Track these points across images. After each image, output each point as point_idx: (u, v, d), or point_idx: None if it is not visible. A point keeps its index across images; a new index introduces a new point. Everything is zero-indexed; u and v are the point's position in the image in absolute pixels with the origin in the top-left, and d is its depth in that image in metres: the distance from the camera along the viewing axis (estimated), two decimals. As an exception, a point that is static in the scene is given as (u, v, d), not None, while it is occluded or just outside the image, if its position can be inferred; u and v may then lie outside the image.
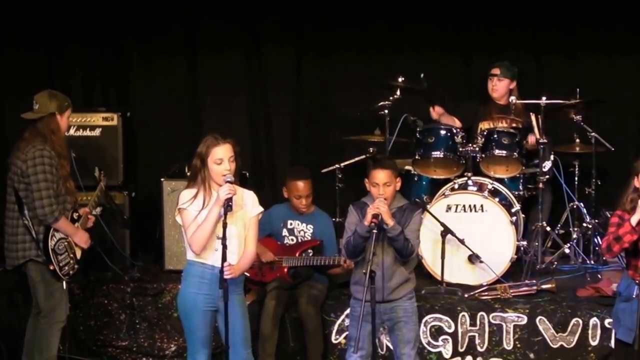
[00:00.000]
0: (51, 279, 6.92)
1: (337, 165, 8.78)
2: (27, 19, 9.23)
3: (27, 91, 9.13)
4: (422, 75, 8.47)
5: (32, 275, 6.96)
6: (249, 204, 6.29)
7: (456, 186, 8.21)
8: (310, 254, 7.57)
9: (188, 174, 6.41)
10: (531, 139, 8.37)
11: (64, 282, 6.94)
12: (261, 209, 6.36)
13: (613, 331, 6.59)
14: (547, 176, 8.35)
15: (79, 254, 7.08)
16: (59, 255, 6.92)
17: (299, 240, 7.71)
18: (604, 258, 8.29)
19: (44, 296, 6.96)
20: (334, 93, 9.52)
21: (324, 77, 9.51)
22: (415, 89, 8.54)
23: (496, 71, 8.72)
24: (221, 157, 6.15)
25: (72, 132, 8.34)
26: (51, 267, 6.86)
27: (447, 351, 7.52)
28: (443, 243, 7.79)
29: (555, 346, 7.42)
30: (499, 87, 8.73)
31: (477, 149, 8.27)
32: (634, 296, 6.17)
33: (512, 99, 8.52)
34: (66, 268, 6.96)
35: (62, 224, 6.90)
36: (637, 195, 6.20)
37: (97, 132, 8.53)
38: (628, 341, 6.21)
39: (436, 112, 8.67)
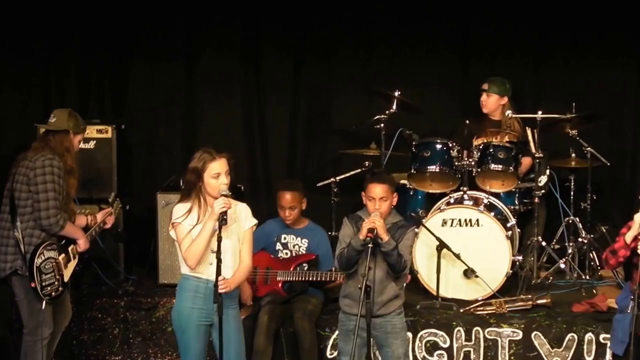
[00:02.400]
0: (34, 298, 6.80)
1: (332, 179, 8.77)
2: (23, 25, 9.23)
3: (21, 98, 9.25)
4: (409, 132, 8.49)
5: (16, 291, 6.89)
6: (242, 216, 6.28)
7: (452, 200, 8.20)
8: (305, 268, 7.54)
9: (182, 187, 6.38)
10: (525, 160, 8.37)
11: (44, 303, 6.82)
12: (255, 220, 6.35)
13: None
14: (543, 191, 8.36)
15: (66, 277, 6.99)
16: (44, 274, 6.78)
17: (294, 255, 7.68)
18: (599, 274, 8.29)
19: (28, 313, 6.88)
20: (331, 105, 9.52)
21: (322, 88, 9.52)
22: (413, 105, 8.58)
23: (485, 86, 8.72)
24: (218, 172, 6.13)
25: (65, 144, 8.32)
26: (32, 285, 6.73)
27: (442, 366, 7.52)
28: (438, 257, 7.77)
29: (550, 361, 7.43)
30: (488, 102, 8.71)
31: (472, 163, 8.26)
32: (628, 310, 6.17)
33: (508, 112, 8.51)
34: (49, 288, 6.82)
35: (69, 229, 6.87)
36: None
37: (91, 144, 8.50)
38: (619, 353, 6.24)
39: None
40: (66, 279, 6.99)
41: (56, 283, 6.89)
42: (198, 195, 6.19)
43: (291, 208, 7.61)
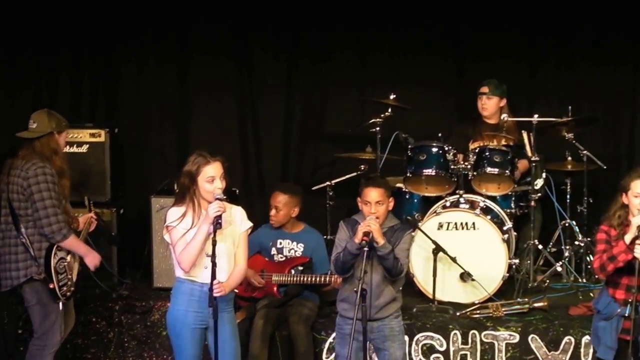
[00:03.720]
0: (48, 300, 6.80)
1: (327, 183, 8.74)
2: (12, 29, 9.21)
3: (12, 102, 9.21)
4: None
5: (27, 297, 6.86)
6: (237, 219, 6.26)
7: (448, 204, 8.19)
8: (300, 270, 7.52)
9: (177, 191, 6.35)
10: (522, 163, 8.35)
11: (61, 304, 6.83)
12: (250, 224, 6.33)
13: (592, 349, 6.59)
14: (539, 194, 8.36)
15: (74, 276, 7.00)
16: (60, 275, 6.82)
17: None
18: (597, 277, 8.25)
19: (40, 318, 6.86)
20: (325, 108, 9.51)
21: (316, 91, 9.52)
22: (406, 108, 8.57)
23: (485, 89, 8.70)
24: (213, 175, 6.11)
25: (58, 148, 8.30)
26: (51, 286, 6.75)
27: (438, 370, 7.50)
28: (435, 261, 7.76)
29: (547, 365, 7.41)
30: (489, 105, 8.70)
31: (468, 166, 8.25)
32: (615, 314, 6.15)
33: (504, 116, 8.50)
34: (64, 288, 6.86)
35: (72, 242, 6.85)
36: (625, 212, 6.18)
37: (84, 148, 8.48)
38: (609, 359, 6.19)
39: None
40: (74, 278, 7.01)
41: (69, 283, 6.93)
42: (192, 199, 6.16)
43: (278, 208, 7.59)
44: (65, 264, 6.88)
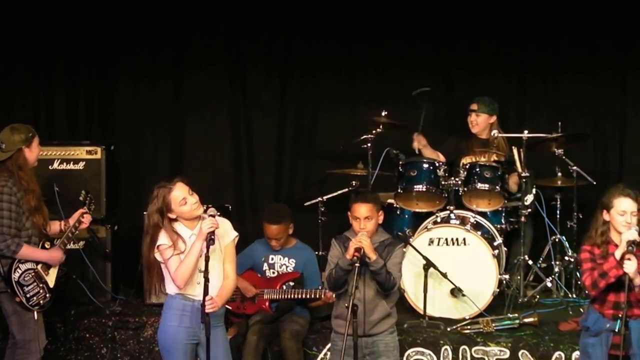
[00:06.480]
0: (22, 311, 6.92)
1: (319, 199, 8.78)
2: (7, 49, 9.27)
3: (10, 119, 9.22)
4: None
5: (5, 307, 6.99)
6: (222, 232, 6.27)
7: (439, 219, 8.22)
8: (291, 286, 7.56)
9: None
10: (513, 179, 8.41)
11: (35, 313, 6.92)
12: (236, 233, 6.35)
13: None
14: (529, 210, 8.38)
15: (51, 283, 7.06)
16: (25, 287, 6.91)
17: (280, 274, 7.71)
18: (586, 293, 8.28)
19: (18, 327, 6.96)
20: (317, 123, 9.55)
21: (308, 107, 9.56)
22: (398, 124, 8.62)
23: (474, 107, 8.76)
24: (183, 197, 6.14)
25: (55, 165, 8.37)
26: (17, 299, 6.88)
27: (429, 385, 7.52)
28: (425, 277, 7.78)
29: (537, 380, 7.43)
30: (477, 122, 8.75)
31: (459, 182, 8.29)
32: (604, 329, 6.19)
33: (494, 132, 8.55)
34: (35, 298, 6.95)
35: (25, 253, 6.91)
36: (608, 229, 6.21)
37: (80, 165, 8.51)
38: None
39: (417, 140, 8.68)
40: (51, 285, 7.07)
41: (41, 291, 7.01)
42: (171, 230, 6.18)
43: (277, 239, 7.65)
44: (33, 273, 6.97)
